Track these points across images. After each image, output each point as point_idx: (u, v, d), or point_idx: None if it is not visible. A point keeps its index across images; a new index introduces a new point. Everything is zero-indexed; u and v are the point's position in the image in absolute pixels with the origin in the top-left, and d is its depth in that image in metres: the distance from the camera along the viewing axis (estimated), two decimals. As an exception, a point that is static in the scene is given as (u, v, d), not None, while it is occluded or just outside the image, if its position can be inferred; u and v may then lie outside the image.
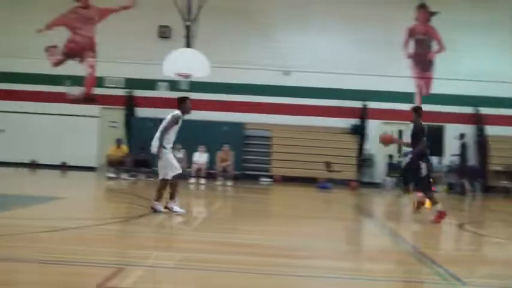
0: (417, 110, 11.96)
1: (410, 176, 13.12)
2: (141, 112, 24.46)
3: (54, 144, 23.97)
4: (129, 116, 24.34)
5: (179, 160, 20.35)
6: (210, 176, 20.82)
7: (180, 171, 11.00)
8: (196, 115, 23.37)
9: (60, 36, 25.20)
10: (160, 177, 10.99)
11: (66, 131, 24.23)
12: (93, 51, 25.16)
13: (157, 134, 10.82)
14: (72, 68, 25.07)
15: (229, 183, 20.11)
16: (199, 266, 6.80)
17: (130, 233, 9.23)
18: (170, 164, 10.86)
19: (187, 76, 21.00)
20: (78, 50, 25.25)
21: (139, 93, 24.61)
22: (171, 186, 10.93)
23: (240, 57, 24.48)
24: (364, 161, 23.77)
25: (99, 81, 25.05)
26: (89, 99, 24.95)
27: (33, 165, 23.82)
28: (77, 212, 11.67)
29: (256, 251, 7.97)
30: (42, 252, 7.02)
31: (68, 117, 24.53)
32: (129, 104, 24.54)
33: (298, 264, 7.29)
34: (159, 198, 11.00)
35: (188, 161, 20.47)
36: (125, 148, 21.53)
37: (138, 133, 22.55)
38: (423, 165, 11.46)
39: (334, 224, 11.87)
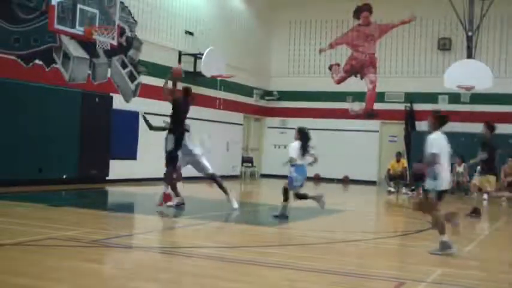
0: (186, 90, 12.52)
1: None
2: (421, 126, 24.27)
3: (337, 159, 24.84)
4: (409, 130, 24.30)
5: (459, 174, 19.96)
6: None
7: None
8: (478, 128, 22.75)
9: (342, 54, 26.16)
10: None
11: (347, 146, 24.98)
12: (374, 67, 25.65)
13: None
14: (354, 84, 25.83)
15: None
16: (481, 285, 6.60)
17: (409, 247, 9.27)
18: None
19: (469, 88, 20.39)
20: (359, 67, 25.94)
21: (419, 107, 24.46)
22: None
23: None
24: None
25: (380, 97, 25.43)
26: (369, 114, 25.46)
27: (317, 179, 24.95)
28: (357, 225, 12.03)
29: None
30: (324, 262, 7.37)
31: (350, 132, 25.29)
32: (409, 118, 24.50)
33: None
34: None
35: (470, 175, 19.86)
36: (404, 162, 21.53)
37: (418, 147, 22.37)
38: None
39: None
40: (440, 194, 8.23)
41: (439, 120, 8.56)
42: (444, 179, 8.16)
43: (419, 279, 6.54)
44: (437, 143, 8.21)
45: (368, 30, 25.84)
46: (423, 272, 7.02)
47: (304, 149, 11.29)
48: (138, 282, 6.01)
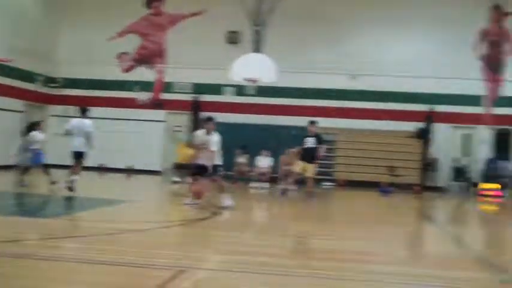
0: None
1: None
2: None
3: (122, 149, 24.47)
4: (195, 121, 24.61)
5: (242, 165, 20.68)
6: (275, 180, 20.79)
7: None
8: (262, 119, 23.78)
9: (131, 43, 25.75)
10: None
11: (133, 135, 24.72)
12: (162, 57, 25.57)
13: None
14: (142, 74, 25.56)
15: (292, 187, 19.94)
16: (260, 269, 6.81)
17: (192, 235, 9.35)
18: None
19: (254, 81, 21.11)
20: (148, 56, 25.70)
21: (206, 98, 24.88)
22: None
23: (307, 61, 24.34)
24: (428, 165, 23.26)
25: (167, 87, 25.45)
26: (156, 104, 25.38)
27: (102, 169, 24.39)
28: (141, 215, 11.92)
29: (317, 256, 7.94)
30: (105, 254, 7.21)
31: (135, 122, 25.04)
32: (195, 108, 24.84)
33: (361, 269, 7.22)
34: None
35: (251, 165, 20.73)
36: (191, 152, 21.69)
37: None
38: None
39: (396, 229, 11.73)
40: None
41: None
42: None
43: (199, 266, 6.62)
44: None
45: (159, 20, 25.68)
46: (202, 258, 7.11)
47: None
48: None
